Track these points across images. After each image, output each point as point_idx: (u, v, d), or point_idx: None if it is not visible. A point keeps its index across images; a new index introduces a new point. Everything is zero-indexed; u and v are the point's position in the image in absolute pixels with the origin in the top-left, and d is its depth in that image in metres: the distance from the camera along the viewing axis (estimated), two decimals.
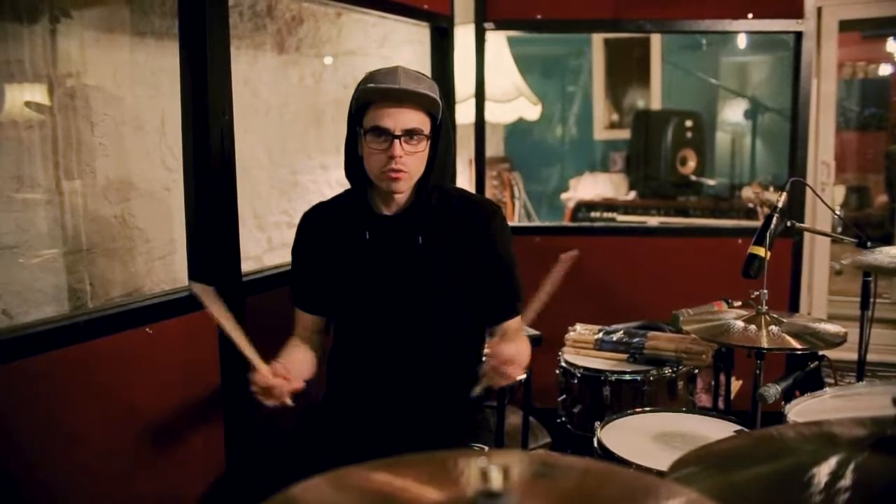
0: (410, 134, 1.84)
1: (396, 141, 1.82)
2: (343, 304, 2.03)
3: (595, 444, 1.99)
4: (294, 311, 2.08)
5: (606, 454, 1.93)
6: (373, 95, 1.85)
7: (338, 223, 2.03)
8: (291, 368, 1.81)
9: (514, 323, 2.04)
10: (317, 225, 2.06)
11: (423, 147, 1.88)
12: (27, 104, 2.12)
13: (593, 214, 4.95)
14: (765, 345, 1.96)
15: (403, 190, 1.92)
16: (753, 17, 3.42)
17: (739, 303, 2.66)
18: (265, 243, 2.99)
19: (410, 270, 1.96)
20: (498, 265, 2.00)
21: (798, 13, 3.38)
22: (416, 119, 1.85)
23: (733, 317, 2.15)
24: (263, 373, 1.72)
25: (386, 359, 1.99)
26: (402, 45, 3.68)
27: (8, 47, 2.05)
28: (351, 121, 1.93)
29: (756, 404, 1.98)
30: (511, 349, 1.73)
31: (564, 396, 2.56)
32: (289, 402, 1.74)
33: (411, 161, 1.86)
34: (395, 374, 1.98)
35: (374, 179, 1.92)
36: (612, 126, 5.54)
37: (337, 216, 2.04)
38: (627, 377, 2.43)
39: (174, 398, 2.03)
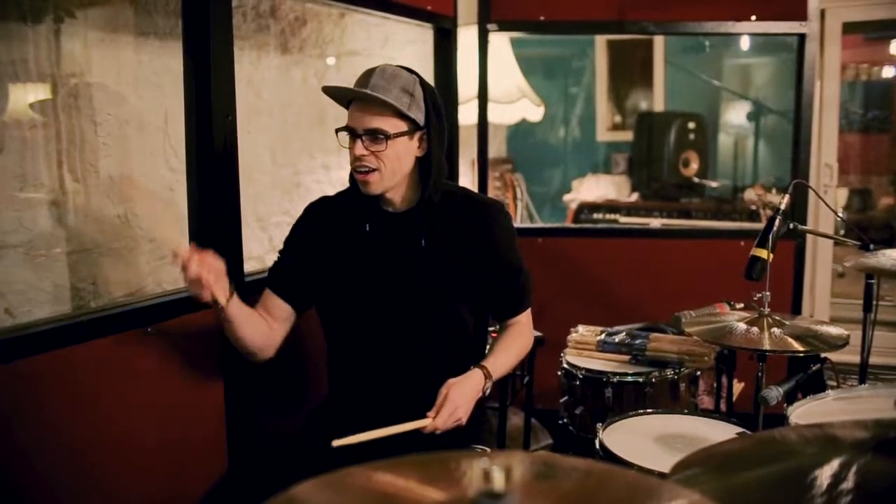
0: (372, 133, 1.88)
1: (358, 139, 1.89)
2: (342, 299, 2.02)
3: (597, 446, 1.99)
4: (263, 293, 2.05)
5: (608, 455, 1.93)
6: (347, 94, 1.93)
7: (341, 217, 2.04)
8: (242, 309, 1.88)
9: (523, 317, 2.12)
10: (320, 217, 2.07)
11: (386, 147, 1.89)
12: (31, 104, 2.12)
13: (596, 216, 4.95)
14: (767, 347, 1.96)
15: (374, 190, 1.94)
16: (757, 19, 3.42)
17: (742, 305, 2.66)
18: (267, 243, 2.99)
19: (412, 269, 1.96)
20: (504, 264, 2.02)
21: (801, 15, 3.38)
22: (378, 120, 1.88)
23: (735, 319, 2.15)
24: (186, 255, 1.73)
25: (386, 359, 1.98)
26: (405, 46, 3.68)
27: (12, 47, 2.06)
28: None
29: (758, 406, 1.98)
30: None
31: (566, 398, 2.56)
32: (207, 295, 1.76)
33: (375, 161, 1.89)
34: (396, 374, 1.98)
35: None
36: (615, 128, 5.54)
37: (341, 210, 2.05)
38: (629, 379, 2.43)
39: (176, 398, 2.03)
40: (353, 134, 1.90)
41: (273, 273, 2.08)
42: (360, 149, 1.89)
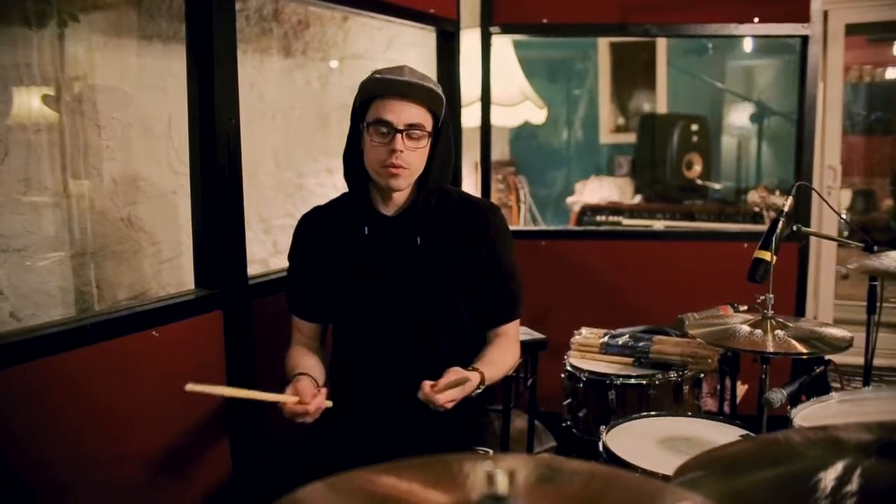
0: (412, 128, 1.84)
1: (398, 135, 1.83)
2: (341, 305, 2.02)
3: (600, 448, 1.99)
4: (292, 320, 2.07)
5: (612, 458, 1.92)
6: (377, 88, 1.86)
7: (335, 225, 2.02)
8: (315, 377, 1.87)
9: (511, 328, 2.05)
10: (314, 228, 2.05)
11: (425, 144, 1.88)
12: (35, 107, 2.13)
13: (599, 218, 4.95)
14: (770, 349, 1.96)
15: (402, 187, 1.91)
16: (759, 21, 3.42)
17: (745, 307, 2.65)
18: (271, 246, 3.00)
19: (409, 271, 1.96)
20: (495, 268, 1.99)
21: (804, 17, 3.38)
22: (419, 114, 1.85)
23: (739, 321, 2.14)
24: (291, 405, 1.75)
25: (387, 362, 1.98)
26: (408, 49, 3.69)
27: (16, 51, 2.07)
28: (354, 116, 1.94)
29: (762, 409, 1.97)
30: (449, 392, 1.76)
31: (570, 400, 2.55)
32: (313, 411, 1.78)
33: (411, 157, 1.86)
34: (398, 377, 1.97)
35: (372, 174, 1.91)
36: (618, 130, 5.53)
37: (334, 218, 2.03)
38: (633, 381, 2.43)
39: (180, 401, 2.03)
40: (391, 128, 1.84)
41: (292, 299, 2.07)
42: (400, 143, 1.82)
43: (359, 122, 1.92)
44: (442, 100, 1.90)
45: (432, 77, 1.96)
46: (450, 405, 1.76)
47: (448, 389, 1.75)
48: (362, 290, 1.98)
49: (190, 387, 1.57)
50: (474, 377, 1.83)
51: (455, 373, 1.81)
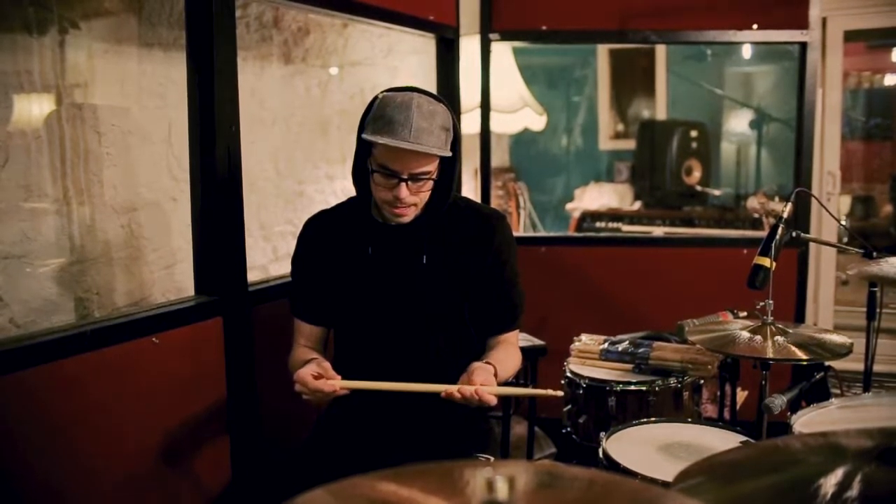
0: (417, 175, 1.85)
1: (403, 183, 1.84)
2: (344, 316, 2.02)
3: (600, 455, 1.99)
4: (294, 322, 2.07)
5: (611, 465, 1.92)
6: (384, 131, 1.80)
7: (340, 233, 2.02)
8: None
9: (511, 336, 2.06)
10: (319, 234, 2.05)
11: (430, 185, 1.90)
12: (36, 114, 2.13)
13: (598, 225, 4.95)
14: (770, 355, 1.96)
15: (407, 221, 1.93)
16: (758, 28, 3.43)
17: (745, 313, 2.65)
18: (271, 253, 3.00)
19: (413, 290, 1.96)
20: (499, 277, 2.00)
21: (803, 24, 3.39)
22: (424, 163, 1.84)
23: (739, 327, 2.14)
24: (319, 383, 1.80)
25: (390, 372, 1.98)
26: (408, 56, 3.70)
27: (17, 58, 2.07)
28: (360, 138, 1.91)
29: (762, 415, 1.97)
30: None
31: (570, 407, 2.55)
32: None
33: (416, 197, 1.88)
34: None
35: (380, 206, 1.94)
36: (618, 136, 5.54)
37: (339, 225, 2.04)
38: (633, 387, 2.42)
39: (180, 407, 2.04)
40: (396, 177, 1.83)
41: (295, 302, 2.07)
42: (404, 192, 1.84)
43: (363, 144, 1.89)
44: (451, 134, 1.88)
45: (432, 84, 1.96)
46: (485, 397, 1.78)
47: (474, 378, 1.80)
48: (366, 305, 1.98)
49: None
50: (490, 370, 1.86)
51: (482, 369, 1.82)
